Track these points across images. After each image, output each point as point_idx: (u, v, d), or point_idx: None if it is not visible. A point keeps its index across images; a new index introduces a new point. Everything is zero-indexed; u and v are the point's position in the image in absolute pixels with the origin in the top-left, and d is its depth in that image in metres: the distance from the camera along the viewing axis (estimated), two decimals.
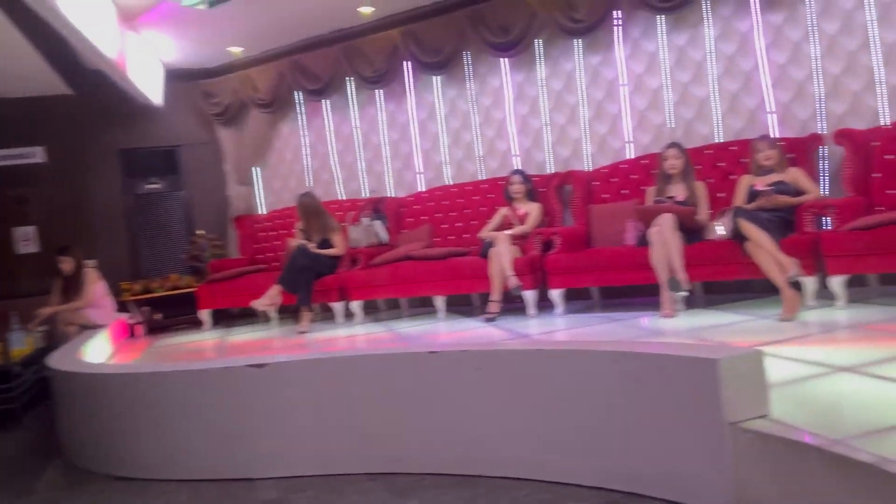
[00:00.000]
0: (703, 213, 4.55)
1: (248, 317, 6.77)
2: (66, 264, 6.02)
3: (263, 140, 7.13)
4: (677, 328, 3.90)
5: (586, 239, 5.16)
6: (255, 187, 7.33)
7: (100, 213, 6.99)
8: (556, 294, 4.82)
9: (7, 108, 6.67)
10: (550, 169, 5.73)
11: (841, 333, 3.39)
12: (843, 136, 4.36)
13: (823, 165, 4.63)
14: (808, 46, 4.71)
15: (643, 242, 4.37)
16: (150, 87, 6.53)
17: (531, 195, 5.39)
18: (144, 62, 6.29)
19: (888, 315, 3.57)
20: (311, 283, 5.50)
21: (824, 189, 4.55)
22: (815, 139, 4.52)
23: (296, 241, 5.74)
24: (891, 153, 4.25)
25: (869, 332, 3.29)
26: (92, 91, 6.53)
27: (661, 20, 5.20)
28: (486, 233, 5.22)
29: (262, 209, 7.29)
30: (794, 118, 4.78)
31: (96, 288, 6.04)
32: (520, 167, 5.75)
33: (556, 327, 4.40)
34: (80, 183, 6.97)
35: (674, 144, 4.69)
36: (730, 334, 3.54)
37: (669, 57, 5.21)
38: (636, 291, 4.88)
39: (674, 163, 4.62)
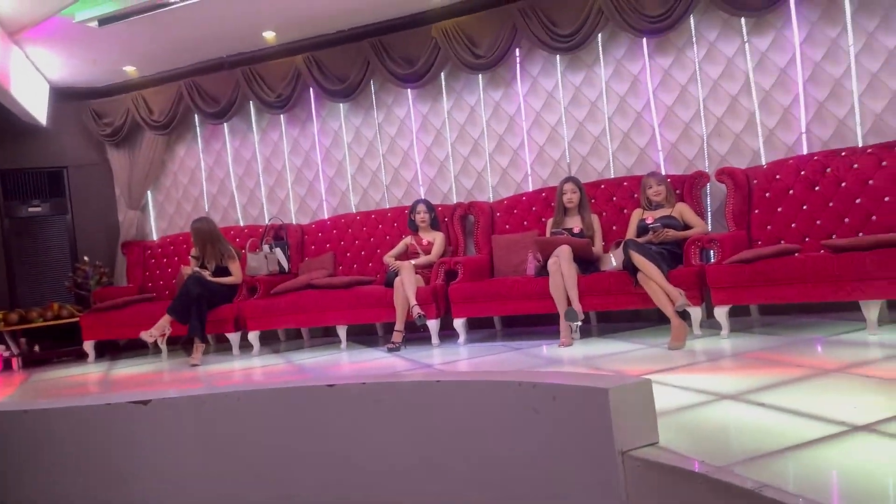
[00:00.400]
0: (597, 245, 4.72)
1: (137, 349, 6.43)
2: None
3: (157, 163, 6.84)
4: (574, 356, 4.00)
5: (489, 268, 5.23)
6: (148, 212, 7.01)
7: None
8: (459, 323, 4.85)
9: None
10: (454, 199, 5.80)
11: (725, 362, 3.55)
12: (725, 174, 4.65)
13: (707, 201, 4.91)
14: (694, 89, 5.01)
15: (542, 272, 4.49)
16: (35, 105, 6.16)
17: (435, 224, 5.43)
18: (28, 79, 5.93)
19: (768, 343, 3.79)
20: (205, 312, 5.29)
21: (709, 223, 4.82)
22: (700, 176, 4.78)
23: (189, 269, 5.52)
24: (768, 191, 4.57)
25: (750, 360, 3.47)
26: None
27: (558, 59, 5.40)
28: (390, 259, 5.20)
29: (155, 235, 6.97)
30: (681, 156, 5.06)
31: None
32: (424, 196, 5.79)
33: (459, 356, 4.42)
34: None
35: (570, 178, 4.85)
36: (622, 363, 3.66)
37: (566, 95, 5.41)
38: (537, 320, 4.99)
39: (571, 196, 4.78)
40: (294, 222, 6.36)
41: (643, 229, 4.53)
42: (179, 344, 6.16)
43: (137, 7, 4.85)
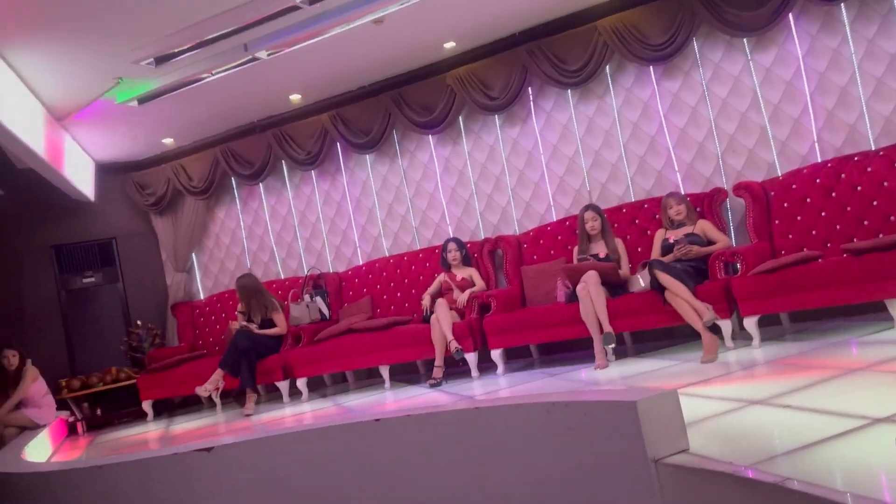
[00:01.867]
0: (624, 267, 4.86)
1: (193, 404, 6.70)
2: (13, 358, 5.82)
3: (199, 226, 7.20)
4: (611, 378, 4.11)
5: (520, 299, 5.39)
6: (194, 273, 7.36)
7: (34, 310, 6.86)
8: (496, 354, 5.00)
9: None
10: (481, 235, 6.00)
11: (756, 370, 3.65)
12: (742, 188, 4.78)
13: (728, 216, 5.03)
14: (704, 109, 5.17)
15: (572, 299, 4.63)
16: (82, 182, 6.58)
17: (467, 261, 5.61)
18: (75, 158, 6.36)
19: (798, 349, 3.87)
20: (254, 364, 5.53)
21: (732, 238, 4.92)
22: (718, 192, 4.92)
23: (236, 324, 5.78)
24: (786, 201, 4.67)
25: (780, 366, 3.56)
26: (22, 190, 6.53)
27: (569, 94, 5.63)
28: (427, 298, 5.38)
29: (202, 294, 7.30)
30: (698, 174, 5.20)
31: (36, 386, 5.88)
32: (453, 234, 6.00)
33: (499, 386, 4.55)
34: (11, 282, 6.85)
35: (590, 206, 5.01)
36: (657, 379, 3.77)
37: (580, 126, 5.62)
38: (573, 345, 5.11)
39: (592, 224, 4.94)
40: (331, 270, 6.63)
41: (667, 249, 4.66)
42: (232, 396, 6.40)
43: (173, 84, 5.22)
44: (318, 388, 6.14)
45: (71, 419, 6.32)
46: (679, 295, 4.18)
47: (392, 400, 4.90)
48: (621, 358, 4.69)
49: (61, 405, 6.30)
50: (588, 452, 2.51)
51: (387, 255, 6.41)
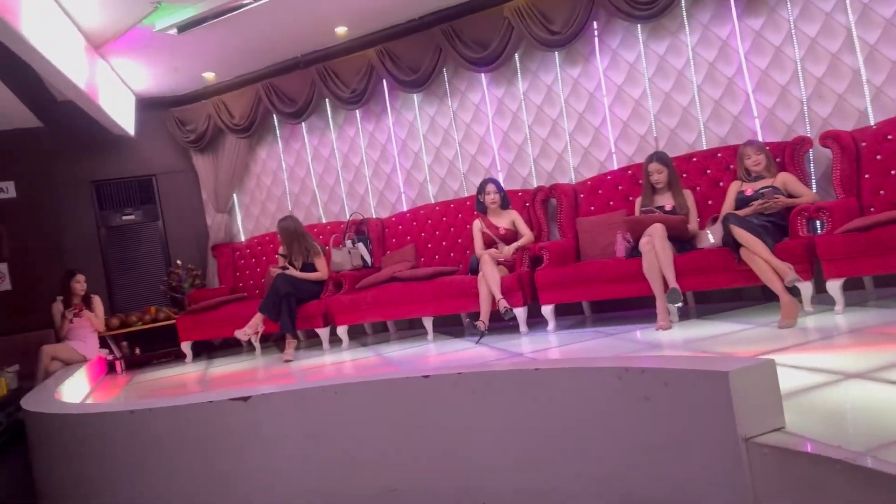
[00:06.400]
0: (693, 221, 4.47)
1: (232, 347, 6.60)
2: (82, 283, 5.97)
3: (241, 166, 6.99)
4: (674, 340, 3.80)
5: (575, 252, 5.06)
6: (235, 214, 7.17)
7: (73, 247, 6.76)
8: (547, 310, 4.70)
9: None
10: (534, 183, 5.64)
11: (843, 339, 3.28)
12: (830, 137, 4.30)
13: (811, 168, 4.57)
14: (790, 49, 4.67)
15: (634, 254, 4.29)
16: (123, 116, 6.38)
17: (505, 203, 5.19)
18: (115, 91, 6.15)
19: (886, 318, 3.48)
20: (294, 309, 5.35)
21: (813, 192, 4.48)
22: (803, 142, 4.45)
23: (276, 268, 5.59)
24: (879, 153, 4.20)
25: (871, 336, 3.20)
26: (62, 123, 6.36)
27: (639, 29, 5.15)
28: (483, 253, 5.05)
29: (242, 236, 7.13)
30: (779, 122, 4.73)
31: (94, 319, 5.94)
32: (503, 181, 5.63)
33: (550, 344, 4.29)
34: (52, 217, 6.76)
35: (655, 157, 4.58)
36: (729, 344, 3.44)
37: (649, 66, 5.16)
38: (628, 304, 4.79)
39: (657, 177, 4.53)
40: (374, 216, 6.36)
41: (742, 202, 4.25)
42: (272, 341, 6.28)
43: (212, 11, 4.92)
44: (358, 336, 5.95)
45: (110, 357, 6.27)
46: (757, 253, 3.79)
47: (435, 353, 4.67)
48: (684, 319, 4.35)
49: (101, 343, 6.24)
50: (666, 427, 2.22)
51: (432, 201, 6.10)
